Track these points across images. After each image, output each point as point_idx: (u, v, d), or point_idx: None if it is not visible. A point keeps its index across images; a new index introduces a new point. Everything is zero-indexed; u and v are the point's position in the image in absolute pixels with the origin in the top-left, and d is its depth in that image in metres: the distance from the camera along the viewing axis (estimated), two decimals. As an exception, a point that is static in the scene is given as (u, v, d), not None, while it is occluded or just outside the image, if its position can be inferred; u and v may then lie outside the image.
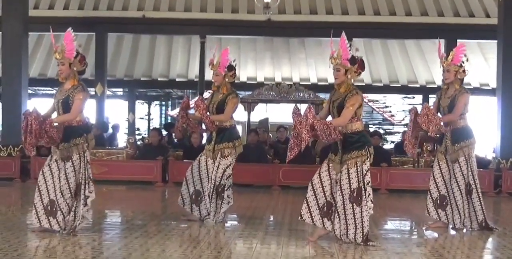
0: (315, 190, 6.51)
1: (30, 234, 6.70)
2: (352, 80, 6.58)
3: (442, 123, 7.41)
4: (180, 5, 17.84)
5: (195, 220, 7.88)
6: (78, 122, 6.78)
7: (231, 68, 7.98)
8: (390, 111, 23.92)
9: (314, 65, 21.15)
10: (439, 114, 7.73)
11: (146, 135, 20.30)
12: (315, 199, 6.51)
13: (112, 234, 7.06)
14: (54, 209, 6.67)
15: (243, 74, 21.50)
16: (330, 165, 6.54)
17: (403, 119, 23.62)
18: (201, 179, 7.94)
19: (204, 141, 16.49)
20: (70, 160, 6.70)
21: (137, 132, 23.38)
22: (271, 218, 9.11)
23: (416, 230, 8.33)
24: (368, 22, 17.34)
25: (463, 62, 7.71)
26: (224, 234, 7.29)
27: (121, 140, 19.01)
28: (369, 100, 23.78)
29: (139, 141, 15.72)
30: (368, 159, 6.48)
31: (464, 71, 7.70)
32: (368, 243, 6.40)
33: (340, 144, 6.52)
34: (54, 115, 6.87)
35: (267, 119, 17.47)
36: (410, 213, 10.11)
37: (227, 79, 7.95)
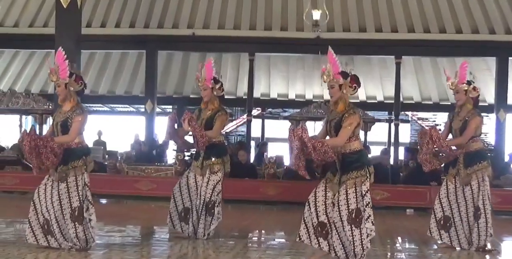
0: (311, 209, 6.29)
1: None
2: (349, 95, 6.40)
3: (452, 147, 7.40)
4: (229, 23, 17.99)
5: (184, 237, 7.79)
6: (77, 144, 6.62)
7: (217, 81, 7.84)
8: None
9: (363, 83, 20.93)
10: (450, 135, 7.65)
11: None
12: (311, 218, 6.29)
13: (161, 250, 7.10)
14: (50, 228, 6.54)
15: (292, 91, 21.49)
16: (328, 185, 6.33)
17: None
18: (190, 196, 7.81)
19: (252, 158, 16.47)
20: (65, 182, 6.54)
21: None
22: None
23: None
24: (417, 40, 17.14)
25: (472, 81, 7.56)
26: (272, 251, 7.29)
27: (170, 156, 19.16)
28: (418, 118, 23.54)
29: (187, 158, 15.82)
30: (368, 179, 6.28)
31: (474, 88, 7.55)
32: None
33: (338, 164, 6.34)
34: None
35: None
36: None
37: (215, 93, 7.82)
